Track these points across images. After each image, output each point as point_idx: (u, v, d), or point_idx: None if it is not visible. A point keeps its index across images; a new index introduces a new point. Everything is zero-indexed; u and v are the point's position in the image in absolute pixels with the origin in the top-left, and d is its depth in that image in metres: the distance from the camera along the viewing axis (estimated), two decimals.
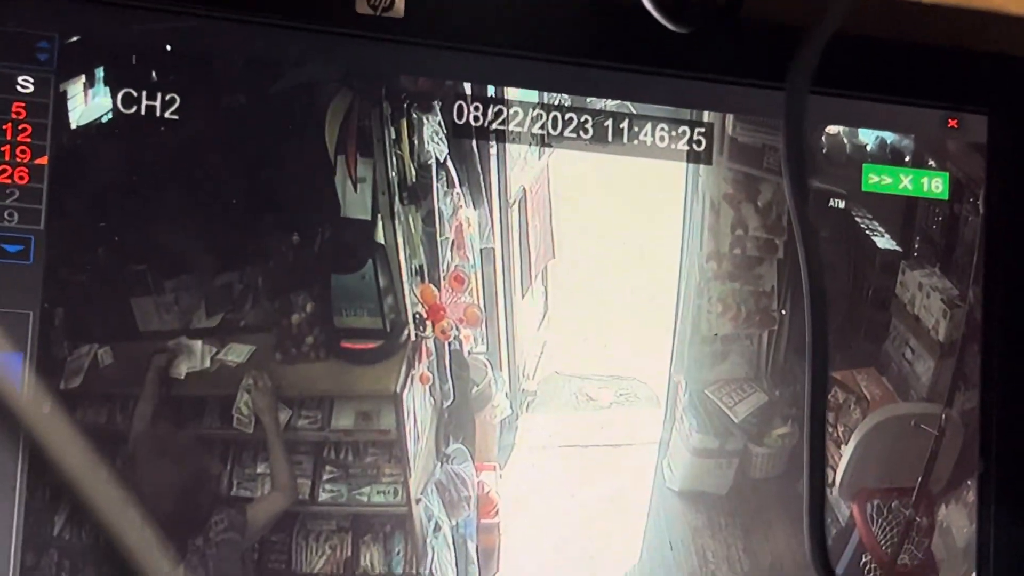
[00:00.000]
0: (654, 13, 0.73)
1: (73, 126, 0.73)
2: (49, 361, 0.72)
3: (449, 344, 0.81)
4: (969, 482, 0.79)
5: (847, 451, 0.80)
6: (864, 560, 0.82)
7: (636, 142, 0.82)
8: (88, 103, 0.74)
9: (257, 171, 0.77)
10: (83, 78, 0.73)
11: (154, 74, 0.74)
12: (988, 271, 0.78)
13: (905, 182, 0.81)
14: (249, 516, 0.77)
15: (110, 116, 0.74)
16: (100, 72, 0.74)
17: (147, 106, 0.74)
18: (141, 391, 0.74)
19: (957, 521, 0.80)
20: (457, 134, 0.79)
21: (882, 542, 0.81)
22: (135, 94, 0.74)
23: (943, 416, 0.80)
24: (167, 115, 0.75)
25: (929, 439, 0.81)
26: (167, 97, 0.75)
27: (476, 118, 0.79)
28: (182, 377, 0.75)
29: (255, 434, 0.77)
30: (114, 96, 0.74)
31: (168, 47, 0.74)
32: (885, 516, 0.81)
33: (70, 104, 0.73)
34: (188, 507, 0.75)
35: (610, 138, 0.81)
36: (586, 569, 0.83)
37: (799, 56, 0.59)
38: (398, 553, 0.80)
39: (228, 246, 0.77)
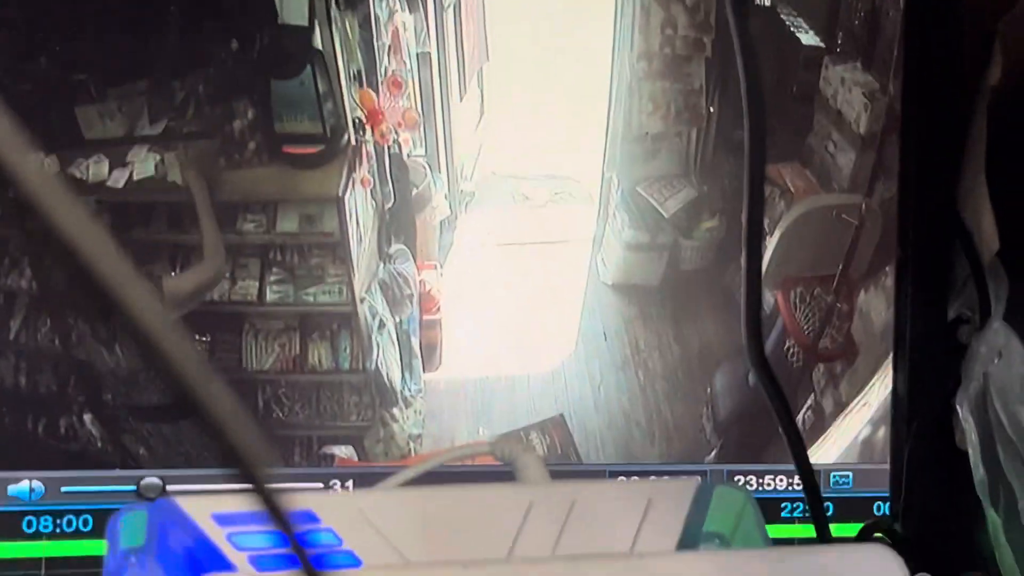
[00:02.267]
0: None
1: None
2: None
3: (388, 147, 0.82)
4: (887, 268, 0.82)
5: (772, 242, 0.83)
6: (787, 345, 0.86)
7: None
8: None
9: None
10: None
11: None
12: (907, 64, 0.80)
13: None
14: (166, 287, 0.79)
15: None
16: None
17: None
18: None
19: (875, 306, 0.83)
20: None
21: (804, 327, 0.85)
22: None
23: (863, 206, 0.83)
24: None
25: (850, 228, 0.83)
26: None
27: None
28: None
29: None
30: None
31: None
32: (807, 303, 0.85)
33: None
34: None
35: None
36: (524, 360, 0.86)
37: None
38: (345, 349, 0.83)
39: (168, 53, 0.78)
